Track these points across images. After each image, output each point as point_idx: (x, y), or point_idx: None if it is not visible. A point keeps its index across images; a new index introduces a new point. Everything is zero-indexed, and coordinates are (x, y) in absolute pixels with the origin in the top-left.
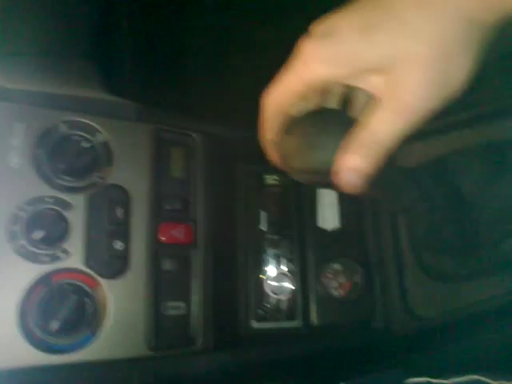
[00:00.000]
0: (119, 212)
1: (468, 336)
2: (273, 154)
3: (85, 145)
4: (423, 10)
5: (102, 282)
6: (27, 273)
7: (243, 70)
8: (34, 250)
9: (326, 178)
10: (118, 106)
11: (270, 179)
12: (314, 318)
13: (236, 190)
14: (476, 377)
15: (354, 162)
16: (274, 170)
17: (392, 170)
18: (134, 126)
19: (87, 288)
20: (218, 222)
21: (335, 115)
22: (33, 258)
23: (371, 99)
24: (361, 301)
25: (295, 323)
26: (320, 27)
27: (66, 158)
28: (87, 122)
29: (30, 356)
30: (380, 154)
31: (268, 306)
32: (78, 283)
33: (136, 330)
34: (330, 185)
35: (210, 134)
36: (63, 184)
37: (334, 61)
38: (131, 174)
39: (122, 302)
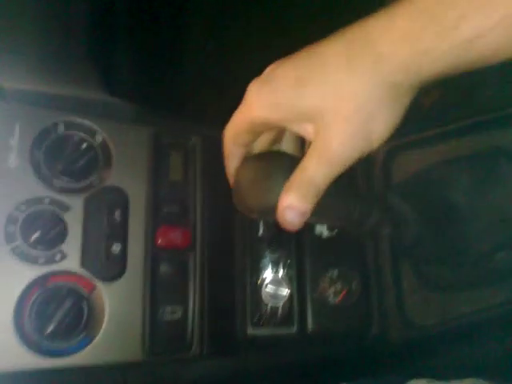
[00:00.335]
0: (117, 214)
1: (465, 345)
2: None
3: (83, 146)
4: (350, 70)
5: (99, 285)
6: (23, 274)
7: (243, 74)
8: (31, 251)
9: (271, 218)
10: (117, 108)
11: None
12: (310, 324)
13: None
14: (476, 379)
15: (290, 201)
16: None
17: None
18: (133, 127)
19: (83, 291)
20: (216, 226)
21: (283, 158)
22: (29, 260)
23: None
24: (357, 308)
25: (291, 329)
26: (268, 72)
27: (64, 159)
28: (86, 122)
29: (25, 359)
30: (312, 192)
31: (264, 311)
32: (74, 286)
33: (132, 335)
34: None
35: (210, 137)
36: (61, 185)
37: (270, 106)
38: (130, 176)
39: (118, 306)
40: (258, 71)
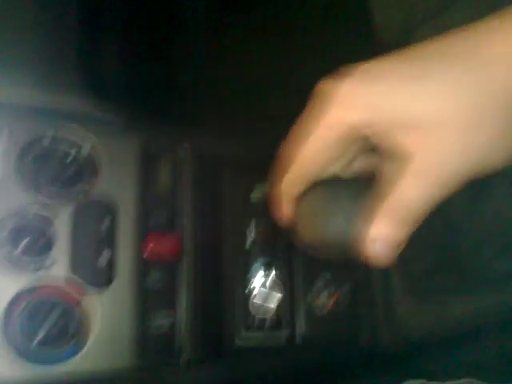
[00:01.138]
0: (105, 224)
1: (456, 352)
2: (283, 212)
3: (71, 156)
4: (472, 68)
5: (87, 294)
6: (11, 283)
7: (233, 83)
8: (18, 261)
9: (340, 252)
10: (104, 117)
11: (258, 192)
12: (299, 331)
13: (223, 203)
14: (471, 380)
15: (381, 230)
16: (261, 183)
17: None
18: (121, 136)
19: (72, 299)
20: (206, 234)
21: (354, 183)
22: (17, 270)
23: (402, 160)
24: (347, 316)
25: (281, 337)
26: (362, 68)
27: (51, 169)
28: (73, 132)
29: (14, 367)
30: (409, 219)
31: (254, 319)
32: (62, 294)
33: (121, 343)
34: (344, 258)
35: (198, 147)
36: (48, 195)
37: (379, 107)
38: (118, 185)
39: (107, 315)
40: (250, 81)
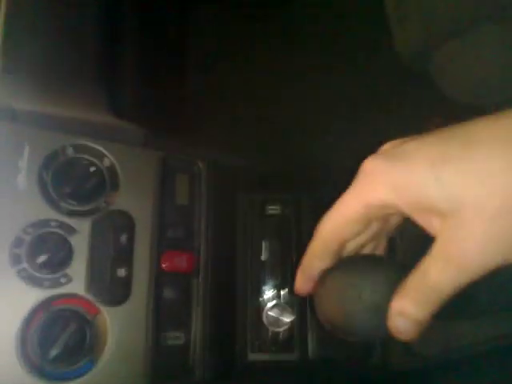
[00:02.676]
0: (123, 238)
1: (468, 376)
2: (303, 287)
3: (91, 169)
4: (507, 158)
5: (103, 309)
6: (28, 297)
7: (249, 100)
8: (36, 274)
9: (361, 333)
10: (124, 131)
11: (272, 208)
12: (311, 350)
13: (238, 219)
14: None
15: (403, 306)
16: (275, 199)
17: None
18: (141, 151)
19: (88, 315)
20: (220, 251)
21: (379, 261)
22: (34, 283)
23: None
24: None
25: (292, 356)
26: (391, 148)
27: (71, 182)
28: (94, 146)
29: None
30: (432, 301)
31: (265, 337)
32: (78, 310)
33: (135, 360)
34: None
35: (214, 162)
36: (68, 208)
37: (399, 188)
38: (136, 199)
39: (122, 331)
40: (266, 98)
